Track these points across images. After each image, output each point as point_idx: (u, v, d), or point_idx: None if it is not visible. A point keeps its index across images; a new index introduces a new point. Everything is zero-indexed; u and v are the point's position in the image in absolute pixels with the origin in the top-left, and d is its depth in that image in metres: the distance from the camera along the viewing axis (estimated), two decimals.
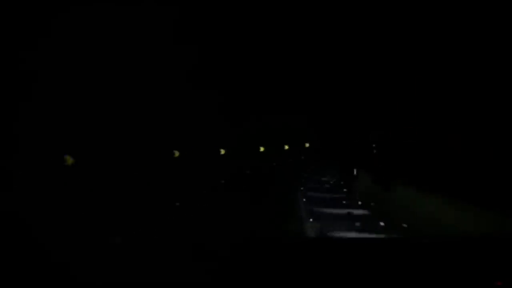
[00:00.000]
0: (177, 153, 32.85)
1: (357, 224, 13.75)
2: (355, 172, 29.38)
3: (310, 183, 27.35)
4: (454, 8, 20.03)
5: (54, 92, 22.34)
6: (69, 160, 20.43)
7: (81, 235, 9.55)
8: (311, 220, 14.10)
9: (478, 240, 6.06)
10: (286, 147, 61.40)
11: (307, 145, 66.16)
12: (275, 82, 53.83)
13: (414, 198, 15.21)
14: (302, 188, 23.61)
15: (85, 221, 11.55)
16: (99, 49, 25.15)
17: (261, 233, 11.17)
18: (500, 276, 3.84)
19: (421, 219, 13.42)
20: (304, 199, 19.31)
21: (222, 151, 42.05)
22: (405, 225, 13.23)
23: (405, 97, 28.29)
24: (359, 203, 18.54)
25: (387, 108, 34.50)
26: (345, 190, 24.35)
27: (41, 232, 9.61)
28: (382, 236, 12.42)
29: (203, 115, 38.57)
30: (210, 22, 37.94)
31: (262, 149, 52.47)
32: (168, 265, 4.20)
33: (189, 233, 10.72)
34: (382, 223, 13.87)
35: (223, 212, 14.32)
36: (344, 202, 19.27)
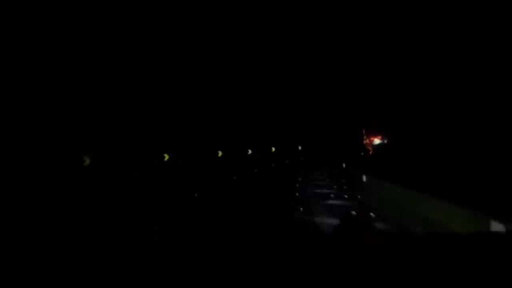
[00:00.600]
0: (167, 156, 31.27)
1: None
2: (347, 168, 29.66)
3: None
4: (452, 8, 20.53)
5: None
6: (87, 161, 20.36)
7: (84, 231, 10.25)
8: None
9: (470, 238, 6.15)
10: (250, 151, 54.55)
11: (273, 149, 59.56)
12: (262, 83, 51.09)
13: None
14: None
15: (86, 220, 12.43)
16: (89, 51, 24.28)
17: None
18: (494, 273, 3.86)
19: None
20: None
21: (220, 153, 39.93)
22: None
23: (401, 97, 28.48)
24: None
25: (382, 108, 33.62)
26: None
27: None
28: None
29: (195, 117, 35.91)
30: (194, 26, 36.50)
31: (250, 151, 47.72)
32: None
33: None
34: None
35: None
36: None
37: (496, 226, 11.73)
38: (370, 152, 47.50)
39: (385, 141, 54.81)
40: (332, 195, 22.34)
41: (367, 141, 59.91)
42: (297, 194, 22.81)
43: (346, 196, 21.95)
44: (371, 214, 15.55)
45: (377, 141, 60.67)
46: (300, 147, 61.28)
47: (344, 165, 34.80)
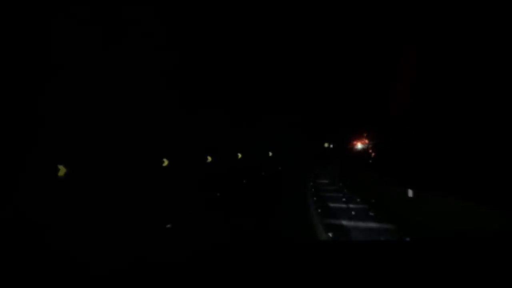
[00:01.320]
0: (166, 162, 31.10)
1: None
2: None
3: None
4: (451, 8, 20.35)
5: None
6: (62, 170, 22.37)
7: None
8: None
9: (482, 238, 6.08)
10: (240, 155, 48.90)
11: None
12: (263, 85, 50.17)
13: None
14: None
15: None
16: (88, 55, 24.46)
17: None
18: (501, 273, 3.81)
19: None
20: None
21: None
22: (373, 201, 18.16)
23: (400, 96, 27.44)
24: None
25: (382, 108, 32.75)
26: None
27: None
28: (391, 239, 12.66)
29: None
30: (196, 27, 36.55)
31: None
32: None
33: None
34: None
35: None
36: None
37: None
38: (373, 155, 44.55)
39: (371, 144, 52.19)
40: None
41: (351, 145, 58.33)
42: None
43: None
44: None
45: (359, 145, 58.84)
46: (271, 153, 54.41)
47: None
